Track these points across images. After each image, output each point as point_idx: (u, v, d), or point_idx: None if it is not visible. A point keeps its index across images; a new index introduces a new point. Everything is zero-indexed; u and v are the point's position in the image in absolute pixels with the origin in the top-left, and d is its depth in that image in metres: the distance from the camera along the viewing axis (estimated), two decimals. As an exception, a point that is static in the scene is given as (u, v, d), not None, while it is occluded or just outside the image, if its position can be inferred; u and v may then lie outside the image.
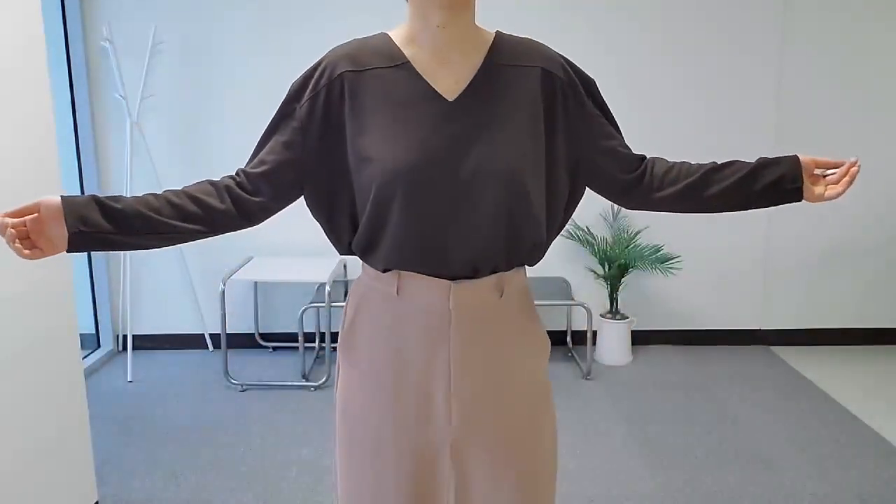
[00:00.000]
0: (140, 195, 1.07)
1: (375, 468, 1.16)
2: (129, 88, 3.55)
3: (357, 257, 1.17)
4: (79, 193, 3.62)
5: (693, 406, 3.10)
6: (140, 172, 3.64)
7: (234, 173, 1.17)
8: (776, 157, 1.17)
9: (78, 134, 3.60)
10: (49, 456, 1.96)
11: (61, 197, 1.00)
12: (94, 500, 2.21)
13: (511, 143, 1.07)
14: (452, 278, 1.09)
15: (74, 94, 3.56)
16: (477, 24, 1.13)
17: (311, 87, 1.11)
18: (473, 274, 1.09)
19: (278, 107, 1.15)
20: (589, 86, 1.18)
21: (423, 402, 1.12)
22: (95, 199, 1.02)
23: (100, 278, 3.74)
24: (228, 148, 3.65)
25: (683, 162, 1.23)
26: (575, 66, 1.17)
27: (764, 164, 1.17)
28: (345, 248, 1.19)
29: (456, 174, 1.05)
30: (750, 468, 2.57)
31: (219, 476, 2.53)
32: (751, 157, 1.20)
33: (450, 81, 1.09)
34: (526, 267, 1.19)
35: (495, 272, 1.11)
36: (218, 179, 1.15)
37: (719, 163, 1.20)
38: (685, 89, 3.64)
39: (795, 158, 1.15)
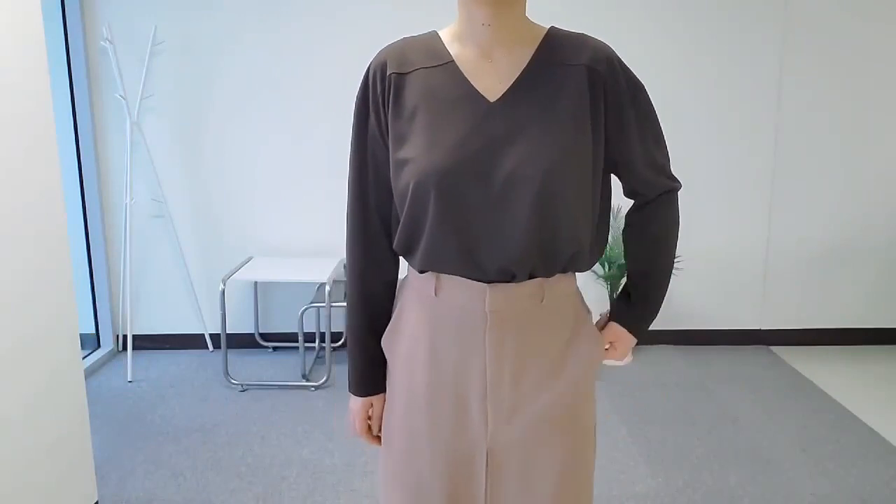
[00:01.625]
0: (365, 334, 1.20)
1: (412, 466, 1.15)
2: (129, 88, 3.55)
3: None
4: (79, 193, 3.62)
5: (693, 406, 3.10)
6: (140, 172, 3.64)
7: (376, 226, 1.17)
8: (628, 309, 1.26)
9: (78, 134, 3.60)
10: (49, 456, 1.96)
11: (375, 395, 1.22)
12: (94, 500, 2.21)
13: (550, 146, 1.03)
14: (489, 282, 1.07)
15: (74, 94, 3.56)
16: (530, 19, 1.10)
17: (370, 98, 1.11)
18: (510, 279, 1.07)
19: (353, 134, 1.14)
20: (635, 91, 1.11)
21: (459, 404, 1.11)
22: (380, 365, 1.21)
23: (100, 278, 3.74)
24: (228, 148, 3.65)
25: (649, 244, 1.24)
26: (624, 66, 1.11)
27: (623, 298, 1.27)
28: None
29: (490, 178, 1.02)
30: (750, 468, 2.57)
31: (219, 476, 2.53)
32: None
33: (493, 81, 1.06)
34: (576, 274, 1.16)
35: (534, 277, 1.08)
36: (375, 252, 1.18)
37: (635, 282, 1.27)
38: (685, 89, 3.64)
39: (618, 327, 1.25)
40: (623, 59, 1.11)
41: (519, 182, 1.01)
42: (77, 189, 3.62)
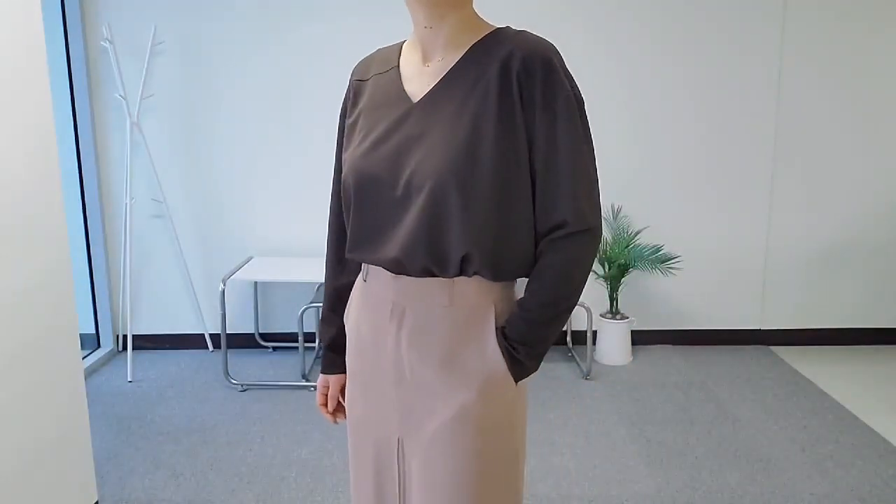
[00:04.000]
0: (335, 309, 1.29)
1: (352, 446, 1.23)
2: (129, 88, 3.55)
3: None
4: (79, 193, 3.62)
5: (693, 406, 3.10)
6: (140, 172, 3.64)
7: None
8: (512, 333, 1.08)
9: (78, 134, 3.60)
10: (49, 456, 1.96)
11: (331, 375, 1.30)
12: (94, 500, 2.21)
13: (445, 150, 1.02)
14: (395, 273, 1.10)
15: (74, 94, 3.56)
16: (485, 21, 1.10)
17: (346, 101, 1.21)
18: (404, 271, 1.08)
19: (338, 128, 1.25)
20: (554, 96, 1.01)
21: (379, 389, 1.15)
22: (337, 349, 1.29)
23: (100, 278, 3.74)
24: (228, 148, 3.65)
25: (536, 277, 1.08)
26: (552, 68, 1.02)
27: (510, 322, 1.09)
28: None
29: (396, 179, 1.06)
30: (750, 468, 2.57)
31: (219, 476, 2.53)
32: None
33: (423, 84, 1.09)
34: (506, 284, 1.10)
35: (433, 276, 1.07)
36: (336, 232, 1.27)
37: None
38: (685, 89, 3.64)
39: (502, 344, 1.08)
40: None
41: (415, 183, 1.04)
42: (77, 189, 3.62)
